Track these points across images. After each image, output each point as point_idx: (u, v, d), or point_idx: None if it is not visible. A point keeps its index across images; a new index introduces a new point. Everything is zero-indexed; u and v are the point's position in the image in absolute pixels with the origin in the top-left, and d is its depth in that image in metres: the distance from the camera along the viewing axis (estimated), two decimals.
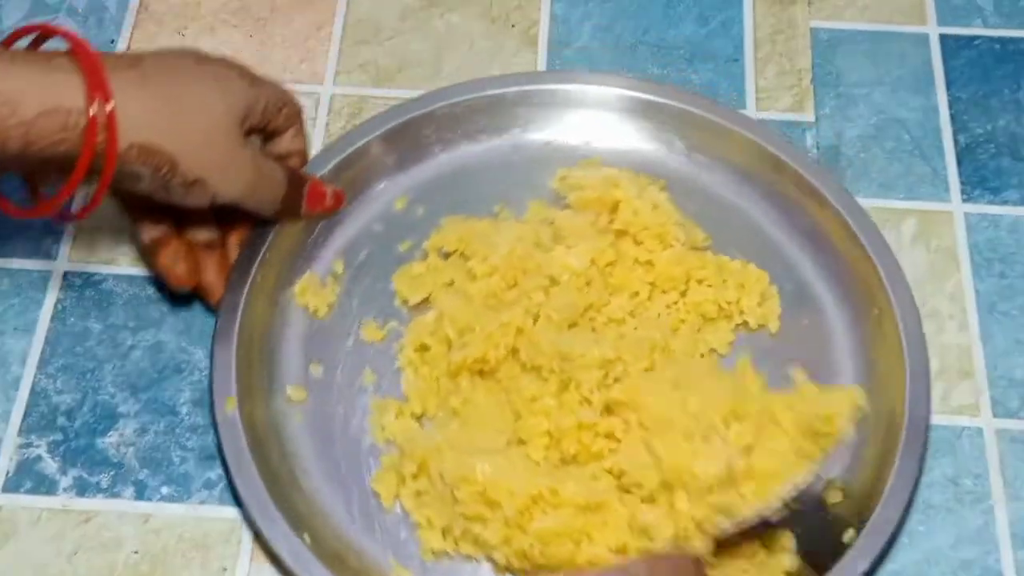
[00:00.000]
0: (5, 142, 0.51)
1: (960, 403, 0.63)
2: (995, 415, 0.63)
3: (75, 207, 0.67)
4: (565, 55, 0.75)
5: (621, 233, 0.65)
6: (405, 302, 0.65)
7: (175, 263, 0.62)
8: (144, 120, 0.54)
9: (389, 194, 0.69)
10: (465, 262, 0.65)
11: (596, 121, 0.71)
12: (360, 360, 0.64)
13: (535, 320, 0.62)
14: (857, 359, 0.64)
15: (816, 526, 0.58)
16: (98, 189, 0.54)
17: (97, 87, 0.52)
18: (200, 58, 0.59)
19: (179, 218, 0.63)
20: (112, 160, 0.53)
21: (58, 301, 0.66)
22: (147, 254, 0.64)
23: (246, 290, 0.63)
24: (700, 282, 0.65)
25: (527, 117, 0.71)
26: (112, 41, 0.75)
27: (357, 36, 0.76)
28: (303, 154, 0.66)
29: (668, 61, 0.75)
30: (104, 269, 0.67)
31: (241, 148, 0.58)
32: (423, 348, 0.63)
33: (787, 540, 0.58)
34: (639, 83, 0.71)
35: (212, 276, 0.63)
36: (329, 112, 0.72)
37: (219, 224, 0.64)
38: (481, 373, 0.62)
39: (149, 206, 0.61)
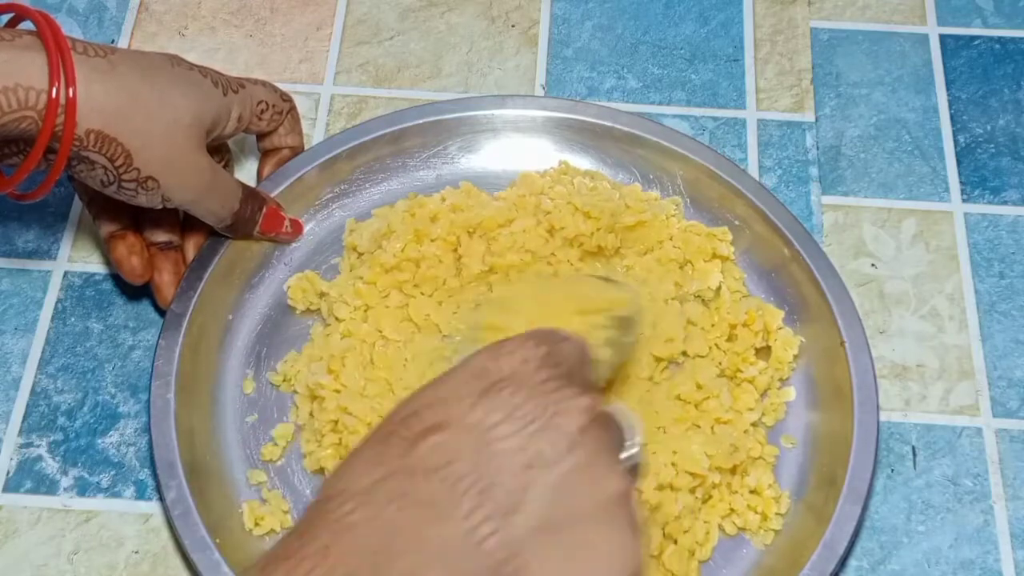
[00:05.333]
0: None
1: (960, 403, 0.63)
2: (995, 415, 0.63)
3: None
4: (565, 55, 0.75)
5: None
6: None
7: (129, 256, 0.63)
8: (105, 109, 0.54)
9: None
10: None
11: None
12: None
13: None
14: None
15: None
16: (52, 170, 0.55)
17: (60, 69, 0.52)
18: (177, 62, 0.59)
19: (139, 216, 0.63)
20: (68, 143, 0.53)
21: (58, 301, 0.66)
22: (105, 247, 0.64)
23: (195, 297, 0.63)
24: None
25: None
26: (112, 41, 0.75)
27: (357, 36, 0.76)
28: (296, 149, 0.67)
29: (668, 61, 0.75)
30: (104, 269, 0.67)
31: (199, 154, 0.59)
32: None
33: None
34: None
35: (165, 276, 0.63)
36: (329, 112, 0.72)
37: (182, 228, 0.65)
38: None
39: (109, 203, 0.61)
